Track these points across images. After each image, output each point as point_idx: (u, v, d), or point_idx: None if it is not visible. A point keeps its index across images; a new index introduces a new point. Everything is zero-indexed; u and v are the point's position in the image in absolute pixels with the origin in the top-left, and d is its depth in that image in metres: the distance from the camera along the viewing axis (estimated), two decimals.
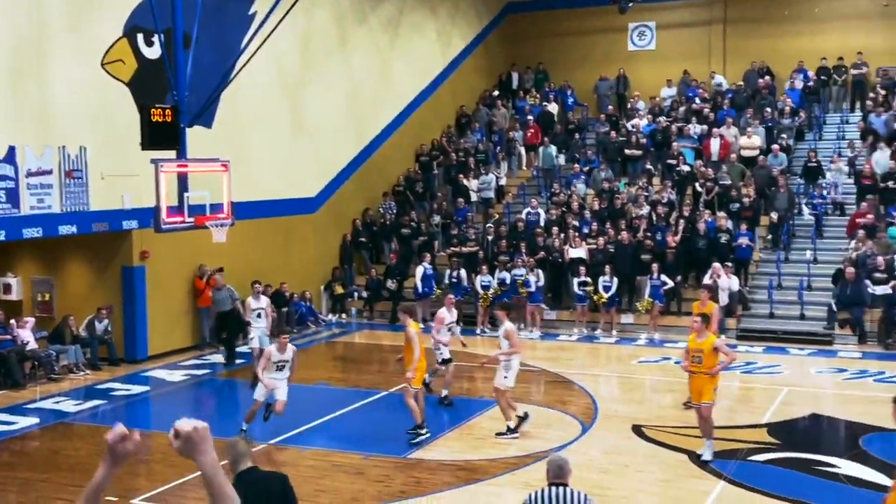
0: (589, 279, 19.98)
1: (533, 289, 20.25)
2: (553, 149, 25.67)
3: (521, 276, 20.35)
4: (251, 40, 15.96)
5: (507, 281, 20.65)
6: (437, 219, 24.28)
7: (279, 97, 21.15)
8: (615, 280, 19.93)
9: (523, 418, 12.45)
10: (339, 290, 22.61)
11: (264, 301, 15.90)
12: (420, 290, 21.24)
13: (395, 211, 24.38)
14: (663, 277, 19.60)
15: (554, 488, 6.20)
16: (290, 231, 21.47)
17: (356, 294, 22.98)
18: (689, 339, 11.38)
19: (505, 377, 12.34)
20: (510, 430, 12.31)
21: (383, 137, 25.10)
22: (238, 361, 17.49)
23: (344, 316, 22.57)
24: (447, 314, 14.47)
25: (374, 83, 24.69)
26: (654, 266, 19.67)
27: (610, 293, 19.87)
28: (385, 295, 22.15)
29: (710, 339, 11.16)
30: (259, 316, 15.72)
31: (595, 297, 19.93)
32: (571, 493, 6.15)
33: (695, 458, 11.25)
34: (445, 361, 14.25)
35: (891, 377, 15.69)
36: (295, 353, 12.52)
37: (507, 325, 12.48)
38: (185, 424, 2.88)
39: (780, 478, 10.71)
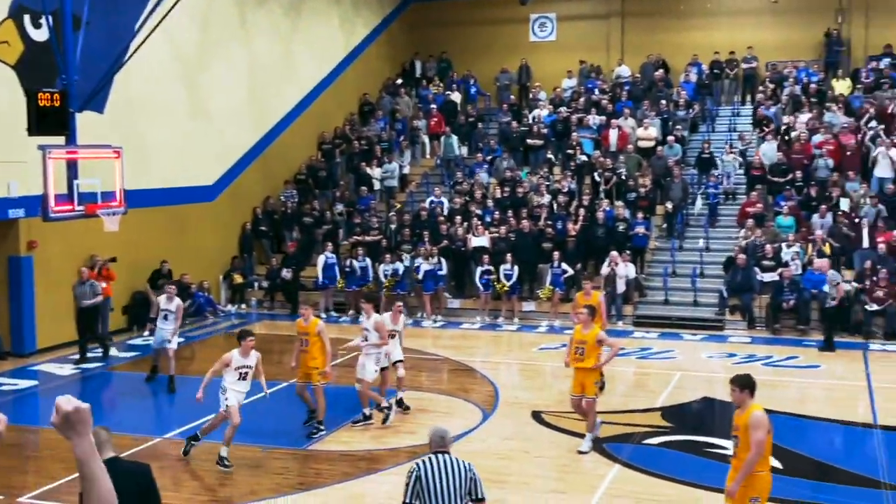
0: (492, 267, 20.16)
1: (421, 276, 20.33)
2: (455, 138, 25.77)
3: (417, 264, 20.46)
4: (145, 22, 15.45)
5: (400, 271, 20.71)
6: (339, 207, 24.07)
7: (176, 81, 20.57)
8: (516, 268, 20.16)
9: (367, 417, 12.45)
10: (239, 279, 22.21)
11: (175, 304, 15.25)
12: (321, 279, 21.09)
13: (296, 199, 24.06)
14: (564, 265, 19.94)
15: (441, 455, 6.27)
16: (188, 220, 20.93)
17: (256, 284, 22.62)
18: (576, 330, 11.29)
19: (375, 370, 12.35)
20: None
21: (285, 124, 24.72)
22: (113, 354, 17.17)
23: (243, 306, 22.19)
24: (389, 323, 12.75)
25: (275, 68, 24.27)
26: (556, 254, 20.01)
27: (511, 281, 20.10)
28: (280, 284, 21.86)
29: (595, 330, 11.11)
30: (166, 318, 15.19)
31: (497, 287, 20.13)
32: (456, 460, 6.26)
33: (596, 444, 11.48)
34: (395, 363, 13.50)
35: (778, 361, 16.38)
36: (259, 360, 11.19)
37: (376, 317, 12.36)
38: (67, 403, 2.81)
39: (673, 460, 11.06)
